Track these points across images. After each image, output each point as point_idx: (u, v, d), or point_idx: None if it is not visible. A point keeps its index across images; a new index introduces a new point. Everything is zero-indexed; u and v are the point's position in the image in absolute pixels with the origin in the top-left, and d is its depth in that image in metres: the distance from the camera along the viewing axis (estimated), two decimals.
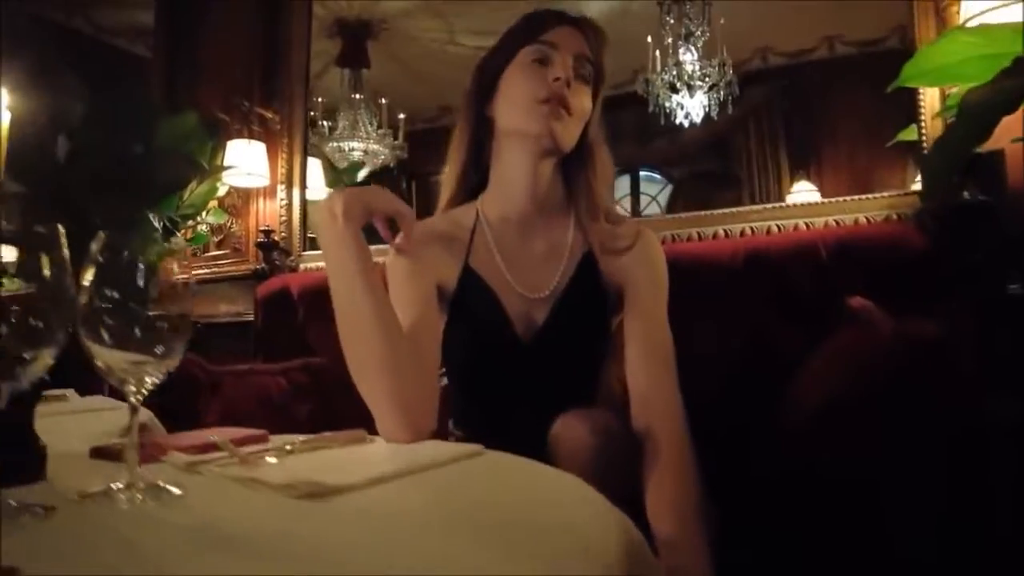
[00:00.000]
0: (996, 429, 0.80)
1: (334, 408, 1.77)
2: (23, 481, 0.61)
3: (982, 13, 1.20)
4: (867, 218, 1.40)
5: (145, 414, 1.06)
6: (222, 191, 2.24)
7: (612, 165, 1.12)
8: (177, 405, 1.68)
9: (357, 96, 3.35)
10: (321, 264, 2.19)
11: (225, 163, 2.18)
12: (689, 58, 3.00)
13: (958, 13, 1.32)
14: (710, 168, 3.31)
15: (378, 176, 3.24)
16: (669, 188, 3.39)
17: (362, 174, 3.26)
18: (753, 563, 0.88)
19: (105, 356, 0.54)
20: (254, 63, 2.37)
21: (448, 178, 1.13)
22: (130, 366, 0.55)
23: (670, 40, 2.98)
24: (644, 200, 3.38)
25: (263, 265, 2.18)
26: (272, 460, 0.70)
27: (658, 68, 3.01)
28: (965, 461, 0.74)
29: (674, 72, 3.02)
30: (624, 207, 3.30)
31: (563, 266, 1.04)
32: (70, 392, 1.35)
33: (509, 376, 1.01)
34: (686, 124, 3.00)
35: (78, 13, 3.24)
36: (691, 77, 3.00)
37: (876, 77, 2.27)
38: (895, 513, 0.79)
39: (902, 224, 1.32)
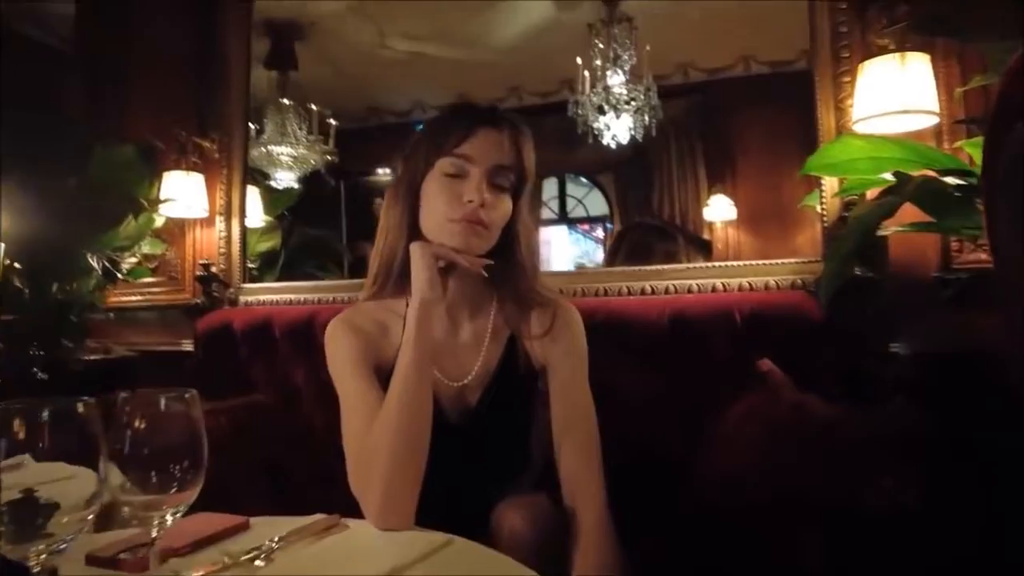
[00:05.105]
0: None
1: (275, 450, 1.82)
2: None
3: (868, 118, 1.40)
4: (776, 282, 1.59)
5: None
6: (159, 222, 2.21)
7: (538, 250, 1.14)
8: None
9: (285, 101, 3.31)
10: (261, 298, 2.22)
11: (162, 195, 2.15)
12: (616, 81, 3.13)
13: (852, 107, 1.52)
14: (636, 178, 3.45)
15: (307, 180, 3.23)
16: (594, 191, 3.53)
17: (290, 176, 3.24)
18: None
19: None
20: (189, 85, 2.31)
21: (376, 266, 1.11)
22: None
23: (599, 62, 3.11)
24: (571, 203, 3.53)
25: (202, 299, 2.18)
26: (261, 564, 0.79)
27: (587, 90, 3.12)
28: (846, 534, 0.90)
29: (602, 94, 3.14)
30: (552, 209, 3.45)
31: (484, 352, 1.09)
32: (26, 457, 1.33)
33: (443, 459, 0.99)
34: (612, 145, 3.14)
35: None
36: (618, 100, 3.13)
37: (786, 96, 2.46)
38: None
39: (804, 294, 1.51)
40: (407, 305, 1.09)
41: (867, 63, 1.42)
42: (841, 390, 1.12)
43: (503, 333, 1.11)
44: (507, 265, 1.07)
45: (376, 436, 0.95)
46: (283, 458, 1.78)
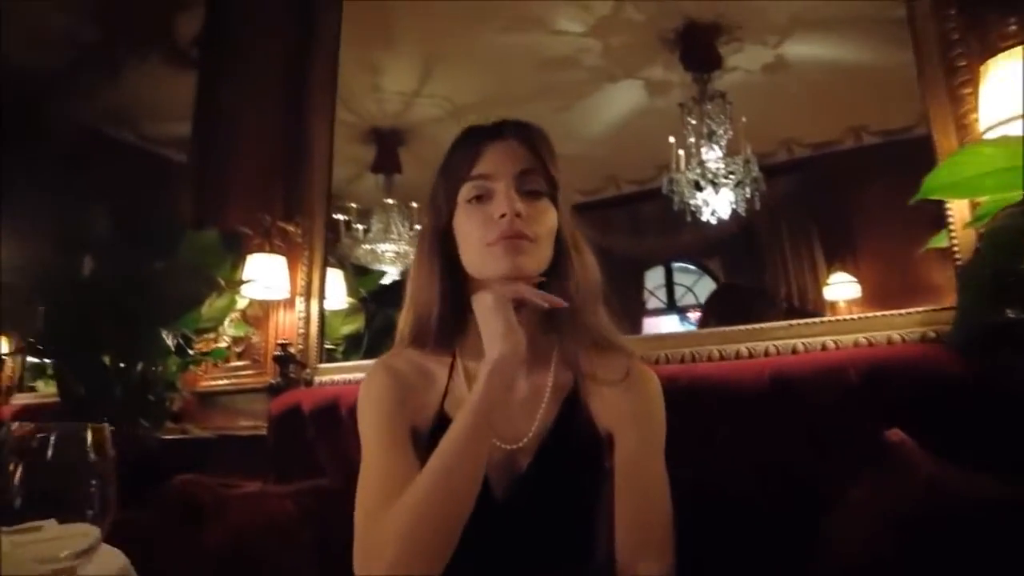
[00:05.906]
0: None
1: (338, 534, 1.68)
2: None
3: (1000, 124, 1.14)
4: (900, 336, 1.30)
5: (117, 563, 0.97)
6: (242, 304, 2.25)
7: (597, 270, 0.99)
8: (178, 530, 1.62)
9: (390, 201, 3.44)
10: (336, 378, 2.17)
11: (245, 277, 2.19)
12: (712, 156, 2.99)
13: (977, 121, 1.27)
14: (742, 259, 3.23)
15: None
16: (704, 278, 3.32)
17: (393, 269, 3.29)
18: None
19: None
20: (278, 176, 2.41)
21: (408, 326, 0.99)
22: None
23: (692, 139, 2.99)
24: (680, 291, 3.32)
25: (278, 379, 2.15)
26: None
27: (682, 167, 3.00)
28: None
29: (698, 170, 3.00)
30: (660, 298, 3.24)
31: (542, 410, 0.93)
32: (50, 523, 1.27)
33: (476, 540, 0.83)
34: (713, 221, 2.95)
35: (126, 125, 3.52)
36: (715, 175, 2.97)
37: (906, 164, 2.23)
38: None
39: (937, 346, 1.21)
40: (454, 359, 0.97)
41: (993, 61, 1.17)
42: (989, 459, 0.83)
43: (564, 389, 0.95)
44: (563, 289, 0.93)
45: (399, 505, 0.79)
46: (340, 541, 1.65)
